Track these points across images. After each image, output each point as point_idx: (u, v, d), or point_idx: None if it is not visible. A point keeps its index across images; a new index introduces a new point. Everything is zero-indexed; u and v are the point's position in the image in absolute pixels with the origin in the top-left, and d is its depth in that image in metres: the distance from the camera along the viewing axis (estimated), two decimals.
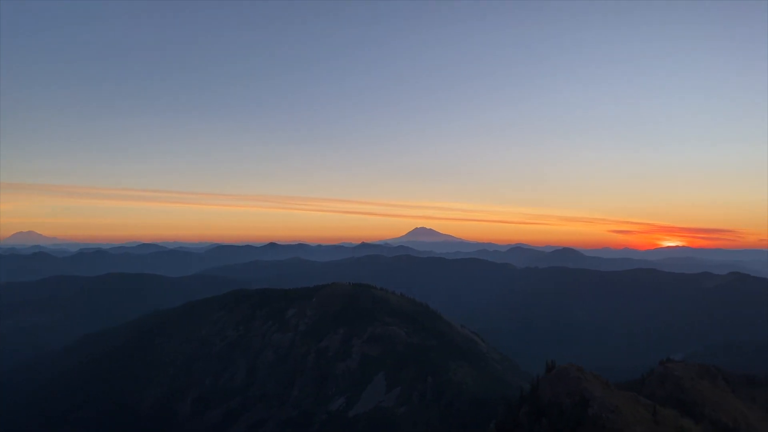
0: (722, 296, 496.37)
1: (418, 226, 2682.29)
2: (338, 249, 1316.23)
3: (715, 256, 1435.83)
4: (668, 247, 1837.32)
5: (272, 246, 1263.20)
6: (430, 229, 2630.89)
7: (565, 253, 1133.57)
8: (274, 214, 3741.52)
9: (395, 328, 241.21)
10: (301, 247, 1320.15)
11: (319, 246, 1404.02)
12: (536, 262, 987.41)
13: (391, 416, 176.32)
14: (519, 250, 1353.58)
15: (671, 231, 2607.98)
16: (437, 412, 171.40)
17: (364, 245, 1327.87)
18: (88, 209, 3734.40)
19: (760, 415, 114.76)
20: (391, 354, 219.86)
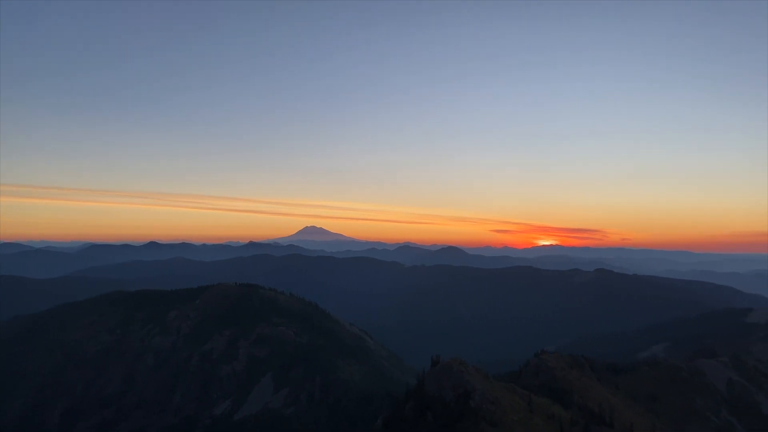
0: (589, 291, 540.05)
1: (309, 225, 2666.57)
2: (224, 248, 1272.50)
3: (583, 253, 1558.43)
4: (543, 245, 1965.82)
5: (153, 245, 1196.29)
6: (321, 228, 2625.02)
7: (450, 251, 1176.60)
8: (155, 211, 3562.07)
9: (284, 328, 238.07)
10: (184, 246, 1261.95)
11: (204, 245, 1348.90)
12: (423, 260, 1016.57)
13: (278, 417, 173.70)
14: (407, 248, 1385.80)
15: (546, 231, 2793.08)
16: (325, 411, 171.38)
17: (252, 244, 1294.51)
18: None
19: (623, 401, 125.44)
20: (280, 354, 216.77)
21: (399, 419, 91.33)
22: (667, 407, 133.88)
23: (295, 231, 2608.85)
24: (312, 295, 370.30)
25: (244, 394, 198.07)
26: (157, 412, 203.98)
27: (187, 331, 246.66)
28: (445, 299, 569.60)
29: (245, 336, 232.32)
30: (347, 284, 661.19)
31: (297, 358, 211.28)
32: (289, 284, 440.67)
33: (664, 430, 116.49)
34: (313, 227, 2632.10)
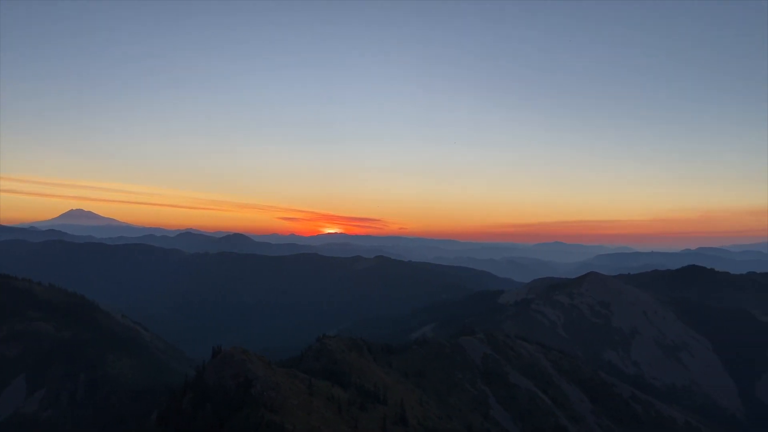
0: (370, 277, 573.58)
1: (74, 208, 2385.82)
2: None
3: (365, 241, 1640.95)
4: (329, 233, 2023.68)
5: None
6: (89, 212, 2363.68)
7: (235, 238, 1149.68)
8: None
9: (41, 323, 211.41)
10: None
11: None
12: (206, 247, 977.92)
13: (32, 422, 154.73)
14: (189, 235, 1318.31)
15: (331, 219, 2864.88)
16: (90, 410, 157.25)
17: (1, 228, 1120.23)
18: None
19: (396, 378, 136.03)
20: (36, 352, 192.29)
21: (176, 413, 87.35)
22: (432, 381, 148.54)
23: (58, 214, 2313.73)
24: (78, 285, 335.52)
25: None
26: None
27: None
28: (230, 288, 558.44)
29: None
30: (120, 273, 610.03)
31: (57, 355, 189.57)
32: (50, 274, 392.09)
33: (429, 402, 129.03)
34: (80, 210, 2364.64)
